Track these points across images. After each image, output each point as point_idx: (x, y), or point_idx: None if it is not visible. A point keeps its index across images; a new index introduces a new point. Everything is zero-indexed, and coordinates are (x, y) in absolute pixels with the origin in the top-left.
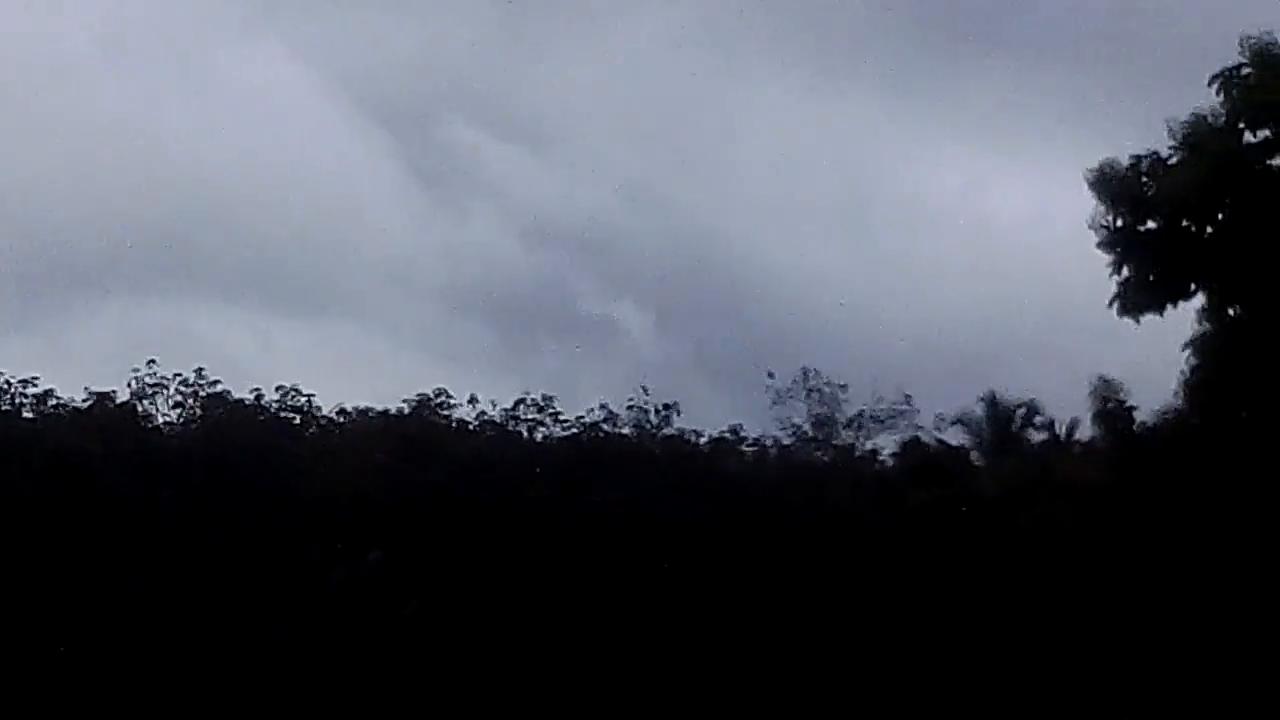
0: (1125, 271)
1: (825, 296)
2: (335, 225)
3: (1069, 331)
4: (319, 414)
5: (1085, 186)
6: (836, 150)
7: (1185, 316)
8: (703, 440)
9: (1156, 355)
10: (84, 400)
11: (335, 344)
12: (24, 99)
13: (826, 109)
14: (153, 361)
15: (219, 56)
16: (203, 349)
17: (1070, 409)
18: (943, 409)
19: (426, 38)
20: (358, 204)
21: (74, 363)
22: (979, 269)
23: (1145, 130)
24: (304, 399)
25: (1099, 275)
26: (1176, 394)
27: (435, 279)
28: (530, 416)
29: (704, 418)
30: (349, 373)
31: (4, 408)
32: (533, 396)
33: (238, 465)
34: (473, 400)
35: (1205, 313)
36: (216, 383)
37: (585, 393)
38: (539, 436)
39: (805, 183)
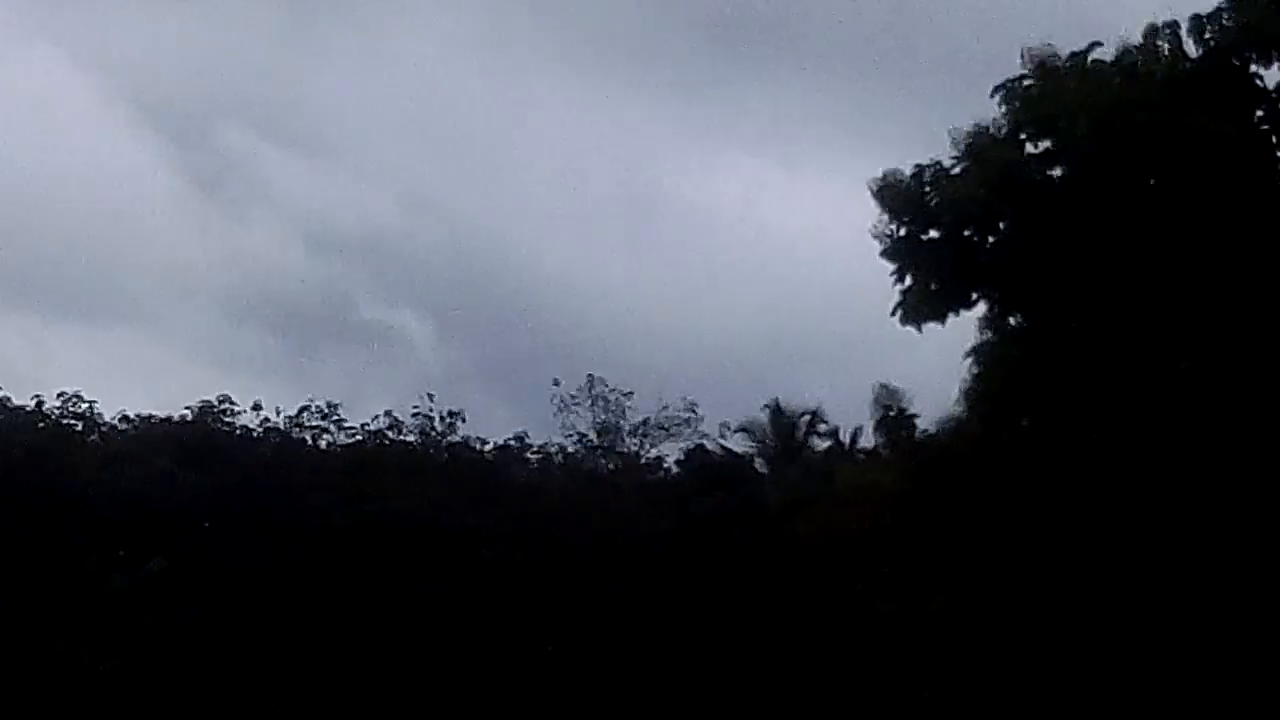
0: (908, 280)
1: (609, 304)
2: (112, 231)
3: (852, 340)
4: (101, 421)
5: (867, 195)
6: (620, 157)
7: (967, 325)
8: (488, 448)
9: (939, 364)
10: None
11: (114, 351)
12: None
13: (610, 115)
14: None
15: None
16: None
17: (854, 417)
18: (727, 417)
19: (203, 42)
20: (135, 209)
21: None
22: (761, 278)
23: (926, 140)
24: (85, 406)
25: (882, 284)
26: (958, 402)
27: (216, 286)
28: (314, 424)
29: (489, 426)
30: (129, 380)
31: None
32: (317, 404)
33: (17, 472)
34: (256, 407)
35: (986, 321)
36: None
37: (369, 401)
38: (323, 444)
39: (588, 190)
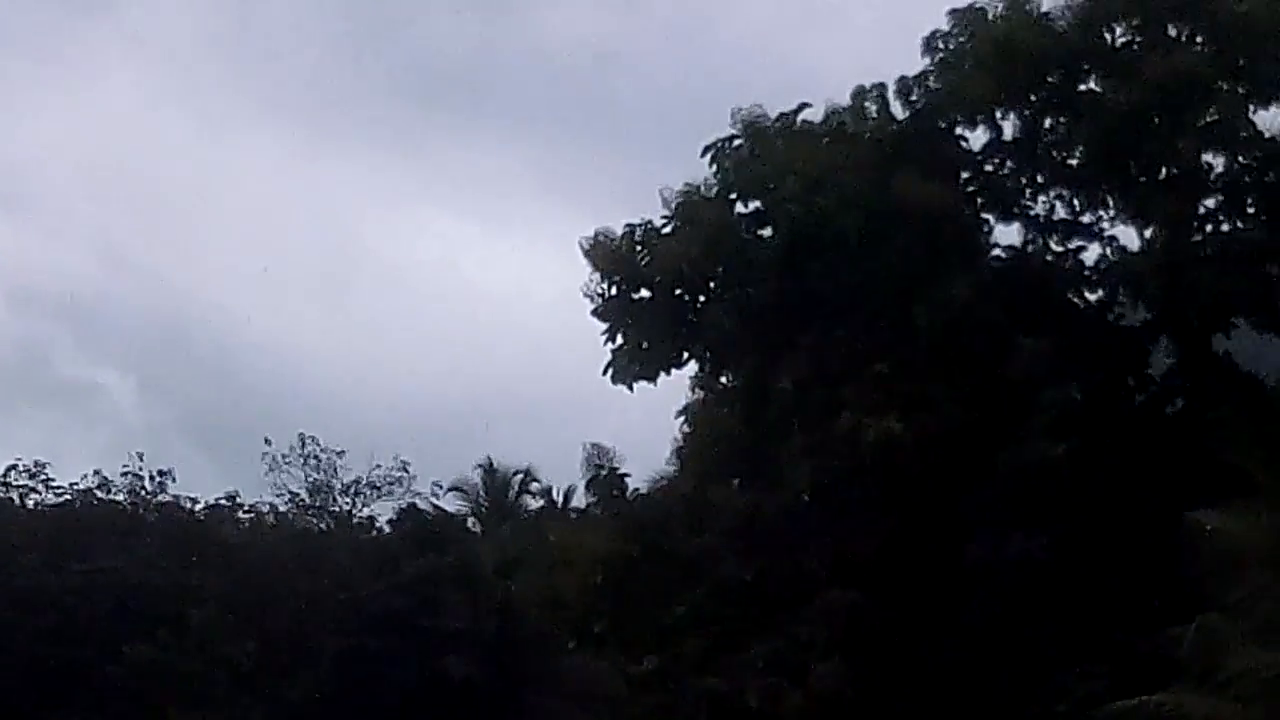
0: (619, 339)
1: (314, 362)
2: None
3: (564, 399)
4: None
5: (574, 254)
6: (319, 215)
7: (679, 384)
8: (199, 507)
9: (652, 422)
10: None
11: None
12: None
13: (309, 173)
14: None
15: None
16: None
17: (566, 476)
18: (440, 476)
19: None
20: None
21: None
22: (466, 337)
23: (630, 199)
24: None
25: (594, 343)
26: (670, 460)
27: None
28: (21, 483)
29: (197, 484)
30: None
31: None
32: (24, 463)
33: None
34: None
35: (697, 380)
36: None
37: (71, 459)
38: (31, 503)
39: (287, 248)
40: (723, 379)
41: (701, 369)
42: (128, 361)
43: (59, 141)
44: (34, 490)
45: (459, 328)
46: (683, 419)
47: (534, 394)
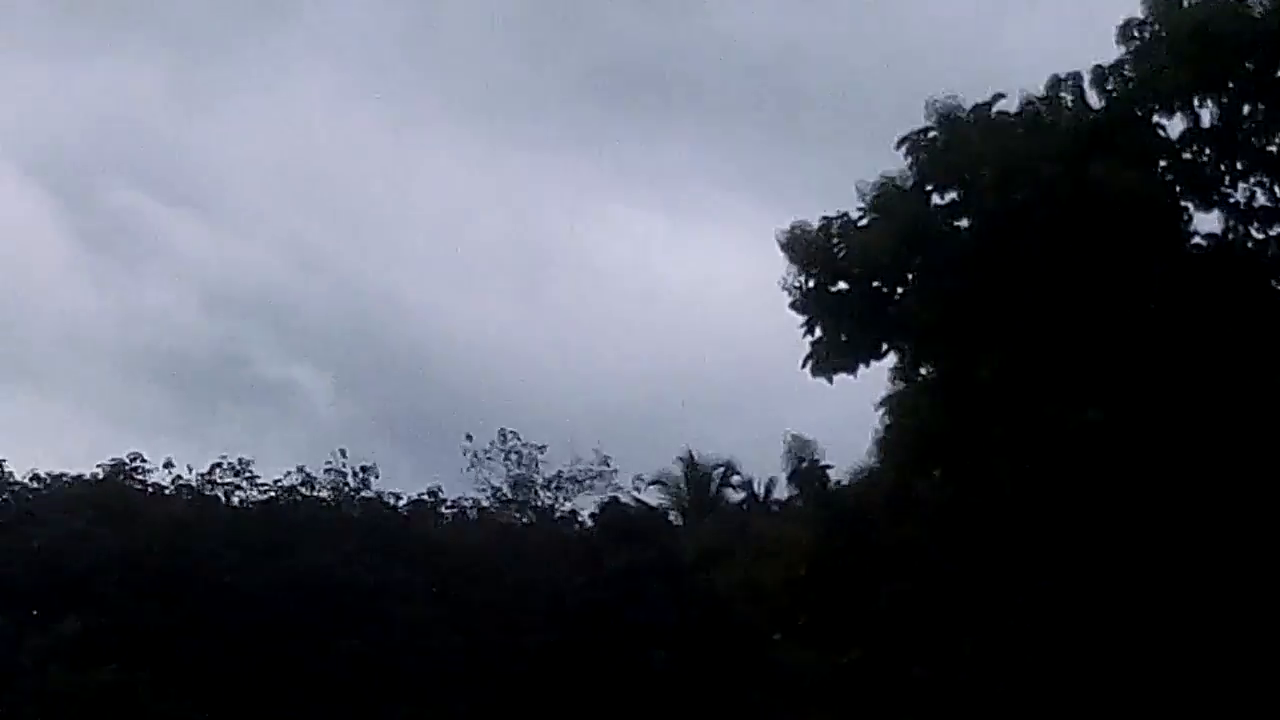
0: (818, 332)
1: (505, 358)
2: (2, 289)
3: (760, 392)
4: (11, 480)
5: (764, 247)
6: (509, 211)
7: (878, 376)
8: (401, 503)
9: (851, 414)
10: None
11: (10, 409)
12: None
13: (498, 169)
14: None
15: None
16: None
17: (767, 469)
18: (641, 470)
19: (87, 99)
20: (27, 269)
21: None
22: (657, 330)
23: (819, 191)
24: None
25: (790, 335)
26: (871, 453)
27: (112, 344)
28: (227, 481)
29: (394, 480)
30: (27, 438)
31: None
32: (229, 460)
33: None
34: (168, 465)
35: (897, 372)
36: None
37: (269, 457)
38: (236, 500)
39: (478, 243)
40: (922, 370)
41: (901, 360)
42: (323, 359)
43: (250, 144)
44: (238, 487)
45: (651, 322)
46: (883, 410)
47: (731, 386)
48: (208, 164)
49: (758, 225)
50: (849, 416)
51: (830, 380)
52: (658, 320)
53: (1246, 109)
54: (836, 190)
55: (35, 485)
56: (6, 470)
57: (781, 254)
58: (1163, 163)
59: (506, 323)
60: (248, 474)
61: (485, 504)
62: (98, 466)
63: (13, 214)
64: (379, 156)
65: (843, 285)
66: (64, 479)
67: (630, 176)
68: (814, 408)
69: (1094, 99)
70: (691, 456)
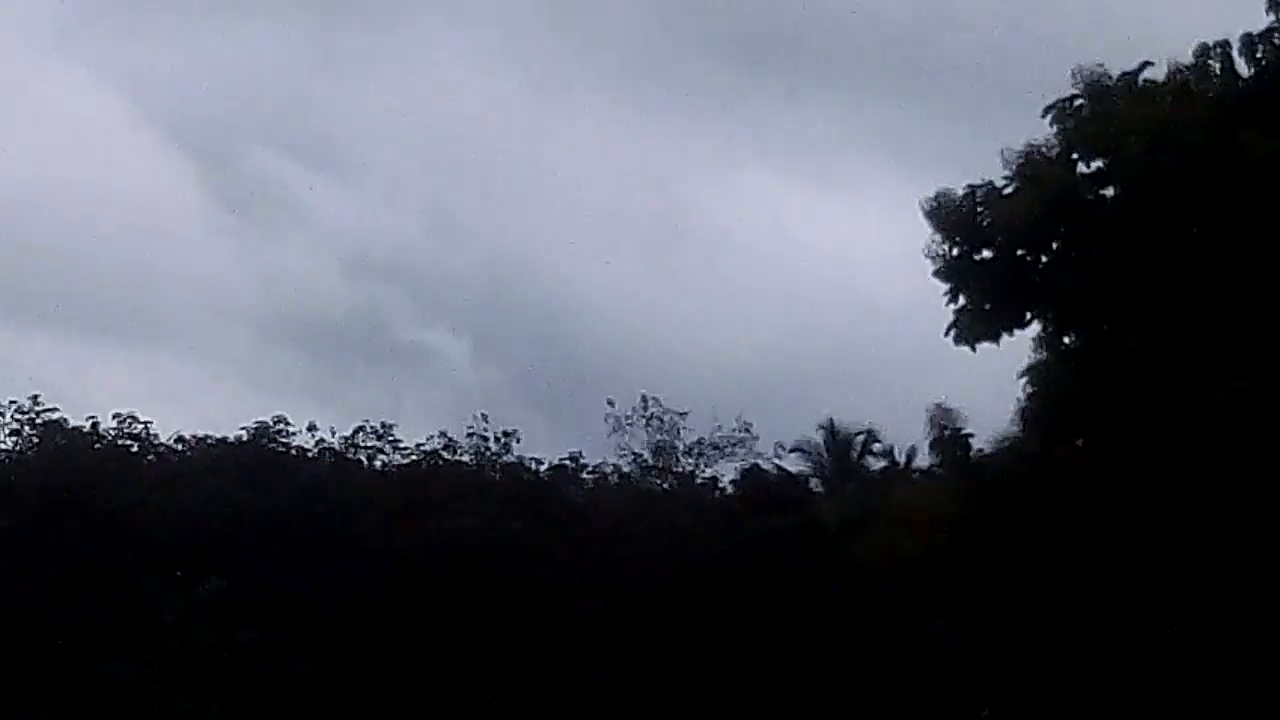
0: (961, 300)
1: (646, 323)
2: (147, 253)
3: (900, 360)
4: (156, 442)
5: (903, 214)
6: (648, 177)
7: (1021, 345)
8: (543, 468)
9: (993, 383)
10: None
11: (153, 373)
12: None
13: (638, 135)
14: None
15: (20, 81)
16: (12, 376)
17: (909, 437)
18: (782, 437)
19: (228, 65)
20: (169, 232)
21: None
22: (796, 299)
23: (958, 158)
24: (141, 427)
25: (931, 302)
26: (1013, 422)
27: (252, 308)
28: (369, 444)
29: (533, 445)
30: (170, 402)
31: None
32: (371, 424)
33: (73, 493)
34: (311, 428)
35: (1041, 341)
36: (53, 410)
37: (407, 421)
38: (378, 464)
39: (617, 209)
40: (1066, 339)
41: (1044, 329)
42: (461, 324)
43: (391, 109)
44: (380, 451)
45: (791, 289)
46: (1025, 379)
47: (872, 354)
48: (348, 129)
49: (898, 193)
50: (991, 385)
51: (973, 348)
52: (797, 288)
53: None
54: (978, 158)
55: (179, 448)
56: (152, 433)
57: (925, 222)
58: None
59: (644, 288)
60: (390, 438)
61: (626, 470)
62: (241, 429)
63: (155, 178)
64: (518, 122)
65: (987, 253)
66: (208, 441)
67: (768, 143)
68: (956, 376)
69: (1243, 67)
70: (832, 424)
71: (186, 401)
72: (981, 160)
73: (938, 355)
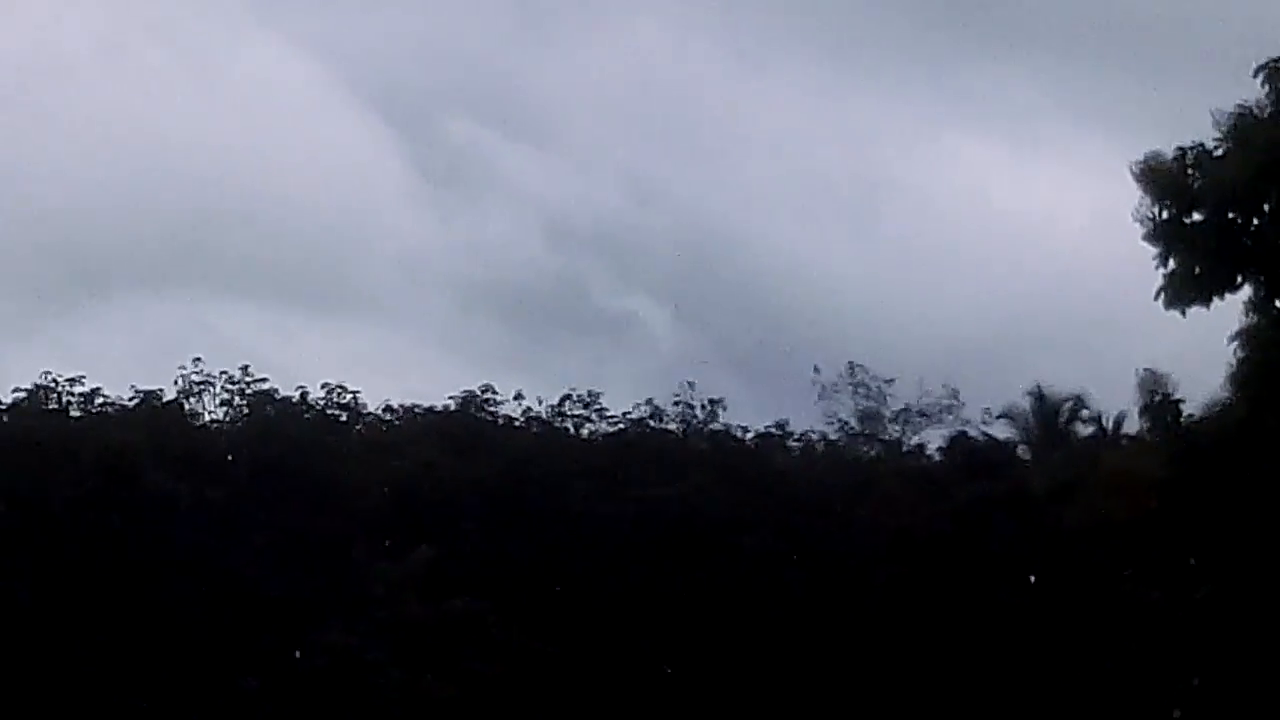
0: (1171, 263)
1: (848, 290)
2: (346, 221)
3: (1107, 324)
4: (365, 411)
5: (1108, 179)
6: (846, 144)
7: (1232, 309)
8: (749, 436)
9: (1203, 348)
10: (131, 398)
11: (351, 341)
12: (33, 100)
13: (836, 102)
14: (198, 359)
15: (223, 52)
16: (219, 345)
17: (1117, 402)
18: (989, 403)
19: (426, 34)
20: (366, 200)
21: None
22: (999, 263)
23: (1166, 123)
24: (350, 396)
25: (1137, 267)
26: (1224, 387)
27: (450, 277)
28: (576, 413)
29: (735, 412)
30: (373, 370)
31: (51, 406)
32: (578, 393)
33: (284, 463)
34: (518, 397)
35: (1253, 305)
36: (263, 380)
37: (608, 389)
38: (585, 433)
39: (816, 177)
40: (1277, 303)
41: (1256, 292)
42: (662, 291)
43: (590, 77)
44: (587, 420)
45: (992, 253)
46: (1237, 343)
47: (1079, 320)
48: (547, 98)
49: (1105, 157)
50: (1202, 350)
51: (1183, 313)
52: (1004, 253)
53: None
54: (1188, 121)
55: (388, 417)
56: (360, 402)
57: (1135, 185)
58: None
59: (846, 254)
60: (596, 406)
61: (833, 437)
62: (449, 398)
63: (354, 146)
64: (717, 89)
65: (1197, 216)
66: (416, 411)
67: (972, 107)
68: (1166, 341)
69: None
70: (1040, 390)
71: (387, 370)
72: (1192, 122)
73: (1147, 320)
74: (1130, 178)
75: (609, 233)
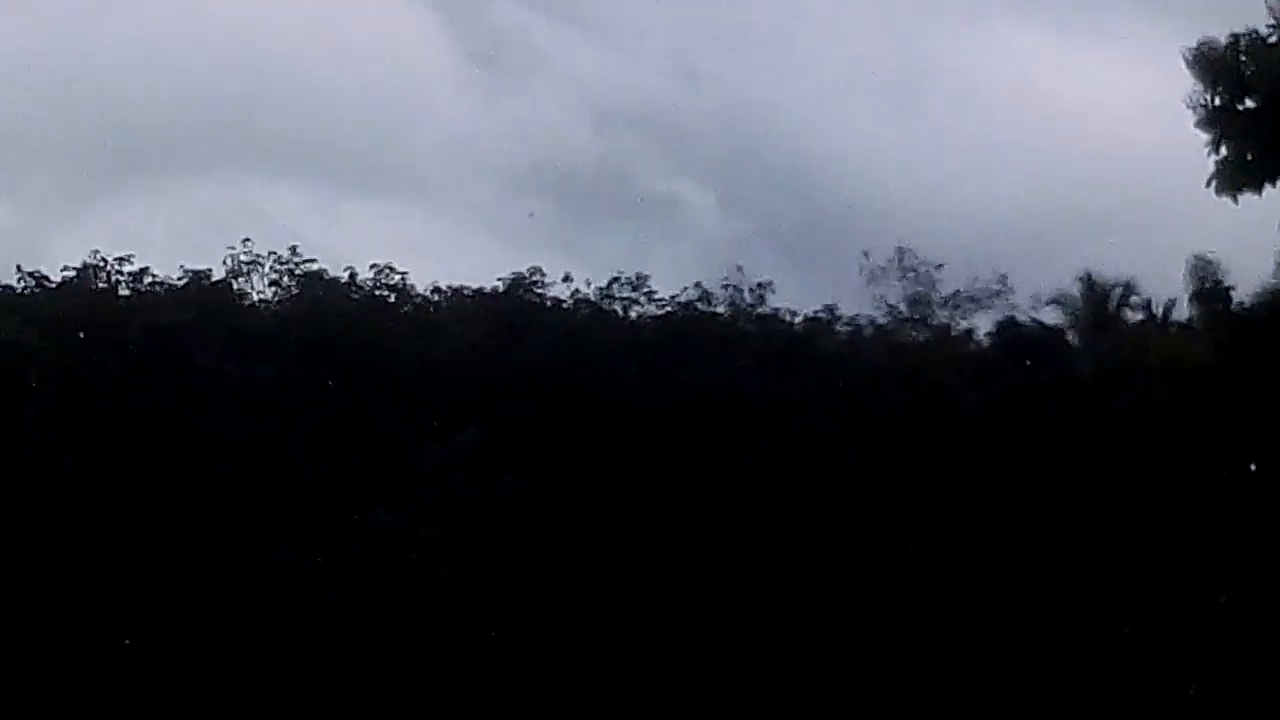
0: (1223, 150)
1: (895, 175)
2: (395, 104)
3: (1163, 211)
4: (413, 293)
5: (1159, 64)
6: (891, 28)
7: None
8: (797, 320)
9: (1254, 235)
10: (180, 278)
11: (397, 223)
12: None
13: None
14: (247, 239)
15: None
16: (263, 226)
17: (1167, 288)
18: (1039, 289)
19: None
20: (415, 84)
21: (134, 241)
22: (1047, 150)
23: (1215, 10)
24: (398, 277)
25: (1188, 154)
26: (1275, 274)
27: (496, 160)
28: (624, 295)
29: (781, 295)
30: (415, 252)
31: (100, 285)
32: (626, 275)
33: (332, 343)
34: (567, 279)
35: None
36: (312, 260)
37: (655, 273)
38: (633, 315)
39: (862, 63)
40: None
41: None
42: (707, 175)
43: None
44: (636, 302)
45: (1041, 140)
46: None
47: (1130, 206)
48: None
49: (1157, 42)
50: (1253, 236)
51: (1235, 199)
52: (1054, 139)
53: None
54: (1242, 6)
55: (436, 298)
56: (409, 283)
57: (1187, 71)
58: None
59: (893, 139)
60: (645, 289)
61: (882, 321)
62: (498, 280)
63: (400, 29)
64: None
65: (1250, 103)
66: (464, 292)
67: None
68: (1217, 227)
69: None
70: (1089, 276)
71: (433, 251)
72: (1246, 7)
73: (1198, 206)
74: (1183, 64)
75: (654, 116)
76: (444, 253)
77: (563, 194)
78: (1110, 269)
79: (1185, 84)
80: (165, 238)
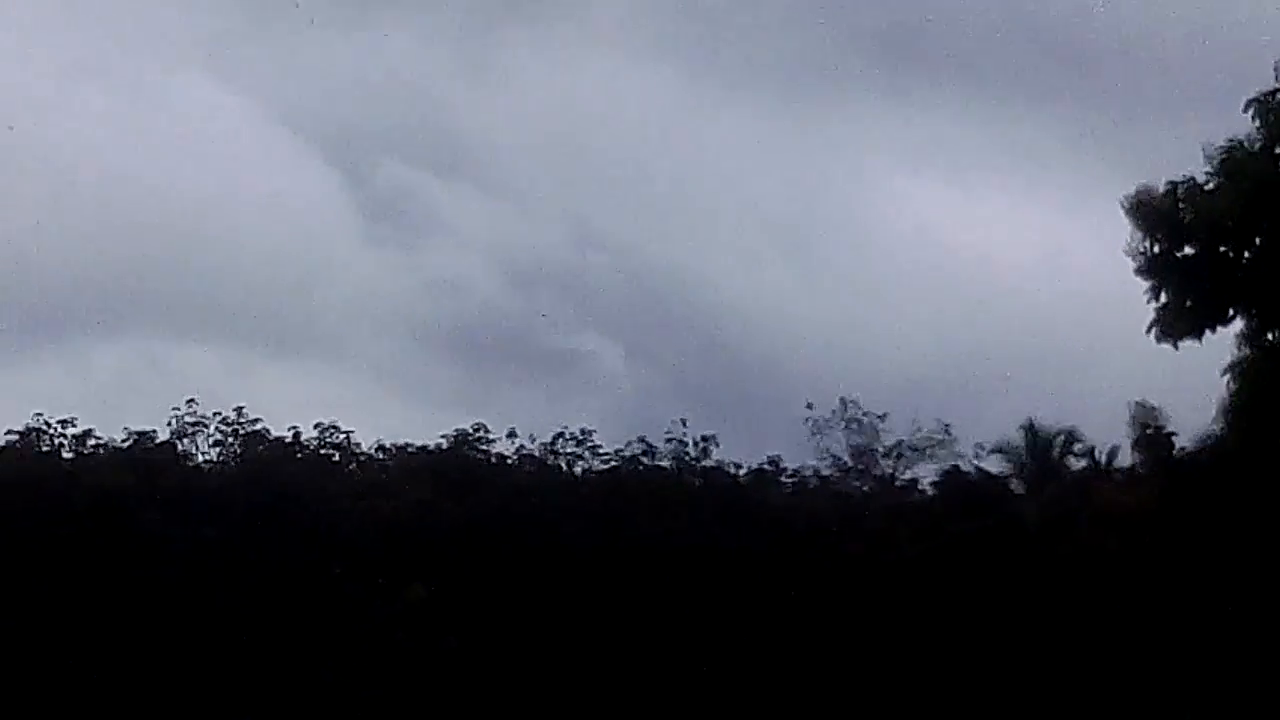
0: (1163, 297)
1: (796, 324)
2: (291, 263)
3: (1098, 359)
4: (357, 451)
5: (1106, 215)
6: (789, 181)
7: (1224, 342)
8: (741, 472)
9: (1195, 381)
10: (124, 440)
11: (305, 381)
12: None
13: (778, 140)
14: (191, 400)
15: (163, 94)
16: (174, 387)
17: (1110, 435)
18: (982, 438)
19: (367, 77)
20: (309, 242)
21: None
22: (998, 299)
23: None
24: (343, 436)
25: (1134, 301)
26: (1216, 420)
27: (397, 316)
28: (569, 450)
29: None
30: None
31: (44, 448)
32: (571, 430)
33: (278, 503)
34: (511, 435)
35: (1244, 338)
36: (256, 421)
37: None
38: (578, 470)
39: (760, 214)
40: (1270, 335)
41: (1248, 325)
42: (611, 329)
43: (530, 120)
44: (580, 457)
45: (992, 291)
46: (1229, 376)
47: (1071, 354)
48: (487, 140)
49: (1099, 193)
50: (1194, 383)
51: (1176, 346)
52: (999, 290)
53: None
54: (1179, 155)
55: (380, 456)
56: (353, 442)
57: (1126, 218)
58: None
59: (794, 290)
60: (589, 444)
61: (826, 473)
62: (441, 436)
63: (296, 188)
64: (658, 130)
65: (1189, 250)
66: (409, 450)
67: (907, 145)
68: (1158, 374)
69: None
70: (1033, 424)
71: (349, 409)
72: (1182, 156)
73: (1139, 353)
74: (1121, 211)
75: (556, 273)
76: (360, 410)
77: (473, 350)
78: (1053, 417)
79: (1125, 232)
80: (80, 399)
